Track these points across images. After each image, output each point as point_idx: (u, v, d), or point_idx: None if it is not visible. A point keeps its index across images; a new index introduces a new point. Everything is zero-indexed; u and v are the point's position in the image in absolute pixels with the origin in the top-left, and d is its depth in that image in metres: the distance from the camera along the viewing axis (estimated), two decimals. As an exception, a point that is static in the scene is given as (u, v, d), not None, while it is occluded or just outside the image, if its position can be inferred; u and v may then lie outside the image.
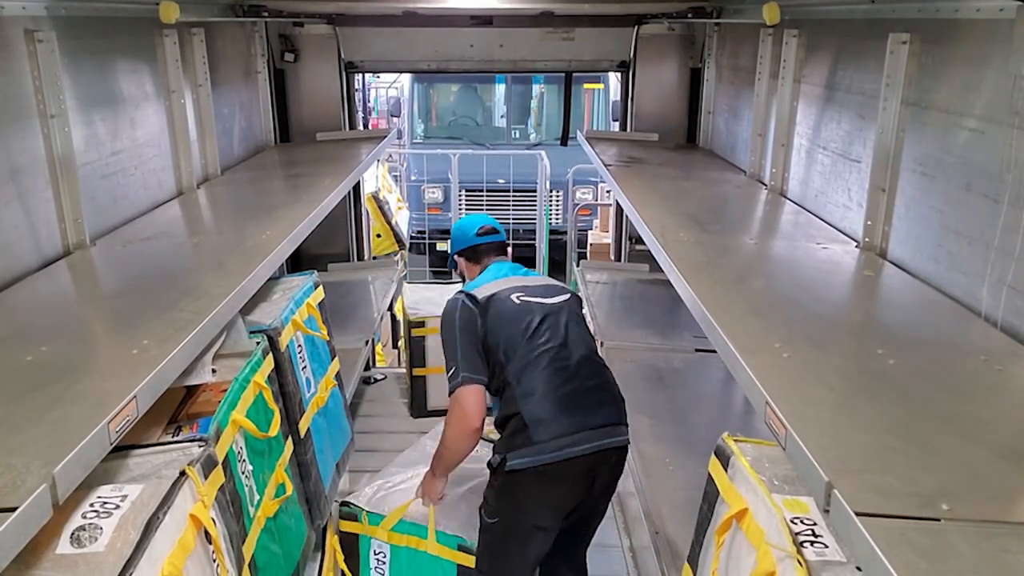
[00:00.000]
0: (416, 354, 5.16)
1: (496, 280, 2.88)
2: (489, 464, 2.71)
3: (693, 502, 2.08)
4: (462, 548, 2.93)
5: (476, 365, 2.67)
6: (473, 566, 2.88)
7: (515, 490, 2.64)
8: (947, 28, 2.38)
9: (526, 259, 9.54)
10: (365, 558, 3.09)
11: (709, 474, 1.95)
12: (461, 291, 2.85)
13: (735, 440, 1.92)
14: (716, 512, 1.89)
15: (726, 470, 1.87)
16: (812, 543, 1.57)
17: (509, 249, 3.25)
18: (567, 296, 2.89)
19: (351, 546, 3.11)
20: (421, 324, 5.13)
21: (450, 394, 2.70)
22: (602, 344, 4.24)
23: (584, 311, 2.95)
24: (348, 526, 3.10)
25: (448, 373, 2.70)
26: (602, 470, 2.68)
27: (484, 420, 2.68)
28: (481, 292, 2.80)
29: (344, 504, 3.10)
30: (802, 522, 1.63)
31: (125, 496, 1.68)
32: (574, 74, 6.19)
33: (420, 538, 2.98)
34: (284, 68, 5.35)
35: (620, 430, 2.70)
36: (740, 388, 2.06)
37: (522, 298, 2.78)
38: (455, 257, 3.22)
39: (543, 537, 2.70)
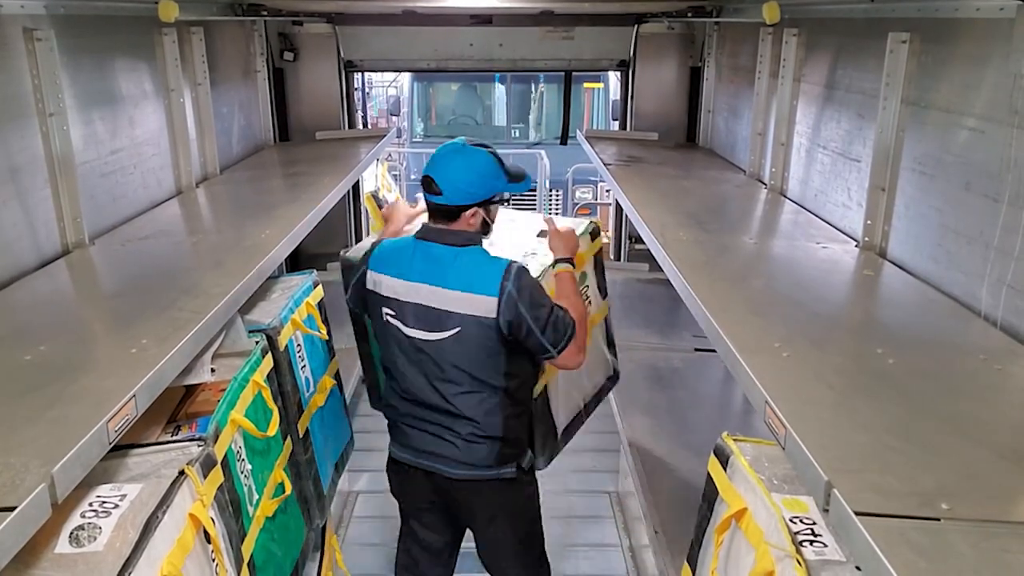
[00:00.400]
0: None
1: (392, 278, 2.48)
2: None
3: (693, 501, 2.08)
4: None
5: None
6: None
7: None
8: (947, 27, 2.38)
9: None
10: None
11: (709, 474, 1.95)
12: (372, 246, 2.60)
13: (734, 439, 1.92)
14: (715, 511, 1.89)
15: (725, 469, 1.87)
16: (812, 542, 1.57)
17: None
18: (452, 332, 2.42)
19: None
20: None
21: None
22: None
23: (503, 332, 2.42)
24: None
25: None
26: (457, 496, 2.63)
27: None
28: (371, 280, 2.53)
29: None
30: (801, 521, 1.63)
31: (124, 495, 1.68)
32: (574, 73, 6.19)
33: None
34: (283, 67, 5.35)
35: (458, 465, 2.54)
36: (740, 388, 2.06)
37: (391, 321, 2.51)
38: None
39: (414, 525, 2.77)
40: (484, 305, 2.38)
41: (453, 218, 2.47)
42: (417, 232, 2.54)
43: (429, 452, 2.58)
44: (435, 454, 2.57)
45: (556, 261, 2.66)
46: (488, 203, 2.50)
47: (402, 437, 2.64)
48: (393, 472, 2.72)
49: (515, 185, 2.57)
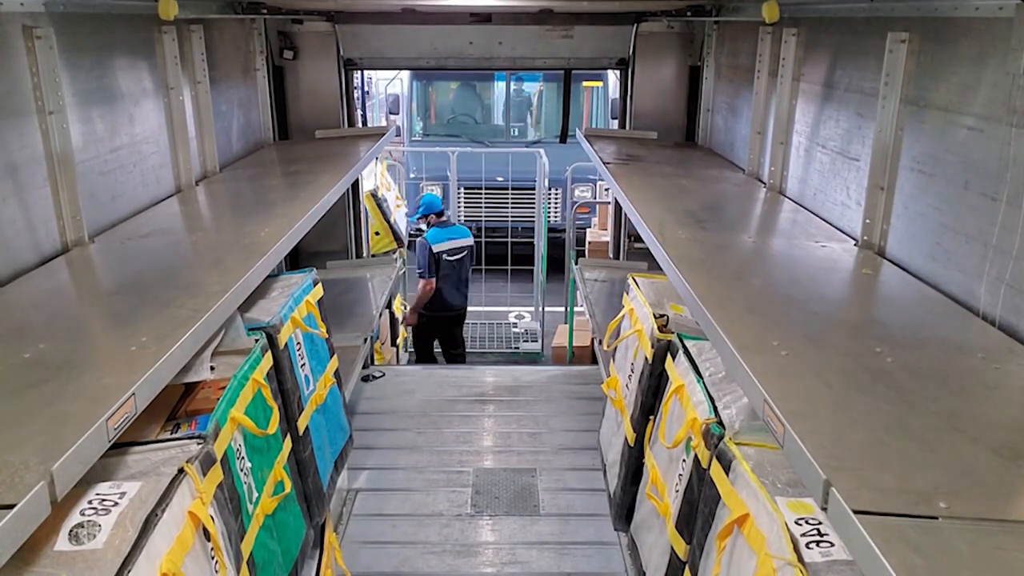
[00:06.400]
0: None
1: (444, 242, 7.12)
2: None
3: (691, 500, 2.08)
4: None
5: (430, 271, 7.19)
6: None
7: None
8: (946, 26, 2.39)
9: (525, 256, 9.57)
10: None
11: (710, 477, 1.95)
12: (426, 239, 7.17)
13: (736, 443, 1.91)
14: (717, 517, 1.88)
15: (728, 475, 1.86)
16: (818, 543, 1.57)
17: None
18: (465, 253, 7.29)
19: None
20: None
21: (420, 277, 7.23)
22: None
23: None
24: None
25: (418, 272, 7.16)
26: (457, 318, 7.41)
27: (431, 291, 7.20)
28: (437, 247, 7.11)
29: None
30: (807, 522, 1.62)
31: (123, 493, 1.68)
32: (573, 72, 6.19)
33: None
34: (283, 65, 5.34)
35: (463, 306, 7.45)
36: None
37: (447, 259, 7.10)
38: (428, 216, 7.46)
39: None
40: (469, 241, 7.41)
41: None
42: (442, 223, 7.39)
43: (457, 305, 7.36)
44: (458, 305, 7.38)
45: None
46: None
47: (446, 304, 7.31)
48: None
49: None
